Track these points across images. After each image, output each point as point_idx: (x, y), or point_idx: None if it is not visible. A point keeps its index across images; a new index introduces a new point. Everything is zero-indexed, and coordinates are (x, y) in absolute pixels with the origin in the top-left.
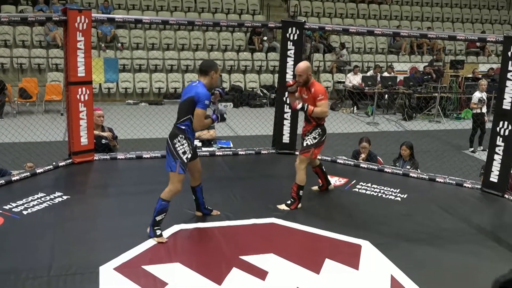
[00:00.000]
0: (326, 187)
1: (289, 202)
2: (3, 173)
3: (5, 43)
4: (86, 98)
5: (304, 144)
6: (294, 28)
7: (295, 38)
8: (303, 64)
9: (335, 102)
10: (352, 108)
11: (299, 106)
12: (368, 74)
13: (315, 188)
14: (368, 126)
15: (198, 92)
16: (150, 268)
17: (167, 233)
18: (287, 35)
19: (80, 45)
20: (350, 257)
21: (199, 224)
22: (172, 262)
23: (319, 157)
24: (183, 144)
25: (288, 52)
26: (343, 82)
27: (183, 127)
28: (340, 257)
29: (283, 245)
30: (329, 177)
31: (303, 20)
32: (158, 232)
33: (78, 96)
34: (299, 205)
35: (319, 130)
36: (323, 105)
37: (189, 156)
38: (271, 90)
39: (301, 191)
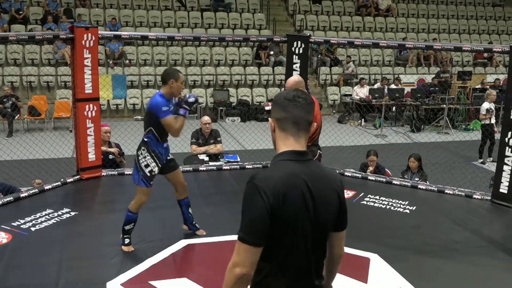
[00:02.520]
0: None
1: None
2: (11, 190)
3: (15, 62)
4: (94, 114)
5: None
6: (299, 42)
7: (301, 51)
8: (292, 79)
9: (343, 115)
10: (359, 121)
11: (268, 107)
12: (375, 86)
13: None
14: (376, 138)
15: (151, 104)
16: (157, 284)
17: (174, 248)
18: (293, 48)
19: (87, 62)
20: (359, 270)
21: (206, 239)
22: (179, 277)
23: None
24: (145, 157)
25: (294, 66)
26: (350, 95)
27: (146, 139)
28: (348, 270)
29: None
30: None
31: (309, 34)
32: (127, 240)
33: (85, 113)
34: None
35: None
36: None
37: (155, 169)
38: None
39: None
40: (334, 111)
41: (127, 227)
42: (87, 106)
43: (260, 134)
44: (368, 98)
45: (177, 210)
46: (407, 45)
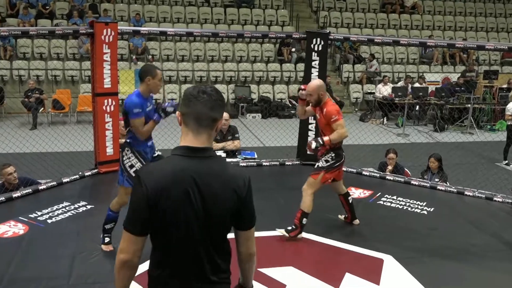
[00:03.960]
0: (350, 220)
1: (290, 228)
2: (30, 182)
3: (41, 56)
4: (112, 109)
5: (315, 166)
6: (318, 39)
7: (320, 48)
8: (314, 83)
9: (365, 113)
10: (382, 119)
11: (314, 145)
12: (399, 84)
13: (341, 217)
14: (397, 137)
15: (125, 104)
16: None
17: None
18: (312, 45)
19: (107, 57)
20: (371, 271)
21: None
22: None
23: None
24: (129, 158)
25: (313, 63)
26: (373, 93)
27: (128, 140)
28: (361, 271)
29: (302, 258)
30: (353, 188)
31: (328, 31)
32: (107, 239)
33: (104, 107)
34: (300, 235)
35: (332, 154)
36: (339, 126)
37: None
38: None
39: (304, 219)
40: (356, 109)
41: (107, 226)
42: (105, 100)
43: (280, 131)
44: (391, 97)
45: None
46: (428, 43)
